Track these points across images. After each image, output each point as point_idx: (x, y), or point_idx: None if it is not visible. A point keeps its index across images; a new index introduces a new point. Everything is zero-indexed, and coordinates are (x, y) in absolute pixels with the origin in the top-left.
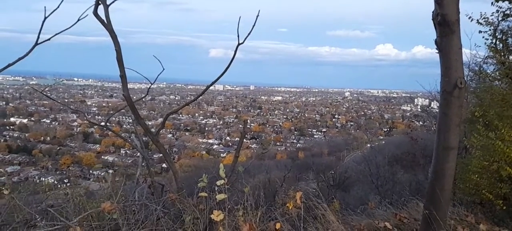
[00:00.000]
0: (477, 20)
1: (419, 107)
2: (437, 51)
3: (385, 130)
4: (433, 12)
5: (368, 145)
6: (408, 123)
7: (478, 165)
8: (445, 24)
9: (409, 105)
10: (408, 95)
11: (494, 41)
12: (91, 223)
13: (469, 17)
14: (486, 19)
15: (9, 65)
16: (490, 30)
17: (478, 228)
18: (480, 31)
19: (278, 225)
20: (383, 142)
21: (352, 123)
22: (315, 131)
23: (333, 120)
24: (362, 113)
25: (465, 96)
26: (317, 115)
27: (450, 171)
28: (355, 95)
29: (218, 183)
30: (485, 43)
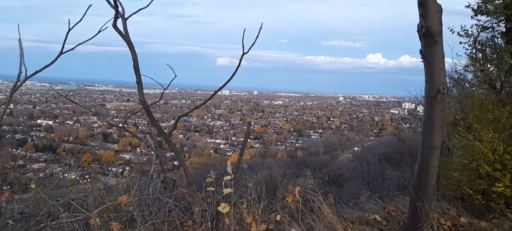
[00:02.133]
0: (458, 32)
1: (406, 111)
2: (421, 60)
3: (375, 131)
4: (418, 24)
5: (362, 145)
6: (396, 125)
7: (459, 163)
8: (429, 35)
9: (397, 109)
10: (396, 100)
11: (474, 51)
12: (109, 214)
13: (451, 30)
14: (466, 31)
15: (37, 72)
16: (470, 41)
17: (459, 221)
18: (460, 42)
19: (278, 217)
20: (373, 142)
21: (345, 125)
22: (312, 132)
23: (328, 122)
24: (355, 116)
25: (447, 102)
26: (314, 118)
27: (434, 168)
28: (348, 99)
29: (226, 178)
30: (466, 53)
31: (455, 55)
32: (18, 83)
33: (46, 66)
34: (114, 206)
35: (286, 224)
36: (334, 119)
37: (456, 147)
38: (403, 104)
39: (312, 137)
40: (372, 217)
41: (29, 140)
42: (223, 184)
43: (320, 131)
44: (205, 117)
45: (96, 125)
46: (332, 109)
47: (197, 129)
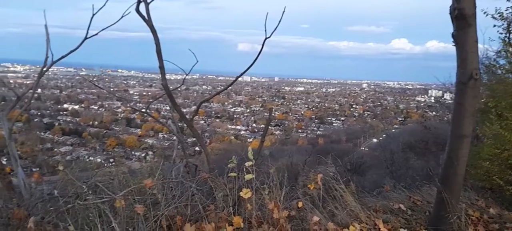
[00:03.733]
0: (492, 15)
1: (432, 98)
2: (453, 44)
3: (400, 119)
4: (450, 6)
5: (385, 133)
6: (422, 113)
7: (489, 152)
8: (462, 17)
9: (423, 96)
10: (422, 87)
11: (508, 35)
12: (134, 197)
13: (485, 12)
14: (501, 14)
15: (62, 57)
16: (504, 24)
17: (488, 212)
18: (494, 26)
19: (300, 204)
20: (398, 130)
21: (368, 112)
22: (334, 119)
23: (351, 109)
24: (379, 103)
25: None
26: (336, 105)
27: (463, 157)
28: (372, 86)
29: (247, 164)
30: (499, 37)
31: (487, 40)
32: (45, 68)
33: (71, 51)
34: (138, 189)
35: (307, 211)
36: (357, 106)
37: (487, 136)
38: (429, 91)
39: (334, 124)
40: (396, 206)
41: (56, 124)
42: (244, 169)
43: (342, 119)
44: (226, 103)
45: (120, 110)
46: (355, 97)
47: (218, 115)
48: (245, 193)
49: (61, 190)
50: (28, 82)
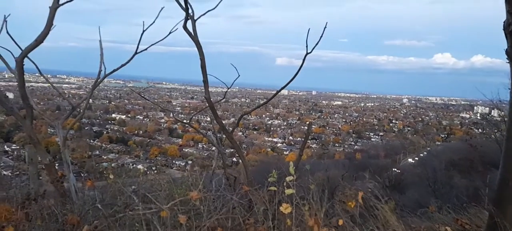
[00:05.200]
0: None
1: (478, 115)
2: (507, 61)
3: (443, 135)
4: (504, 22)
5: (426, 149)
6: (467, 129)
7: None
8: None
9: (468, 112)
10: (467, 103)
11: None
12: (178, 208)
13: None
14: None
15: (114, 70)
16: None
17: None
18: None
19: (340, 221)
20: (440, 147)
21: (409, 128)
22: (372, 134)
23: (391, 124)
24: (420, 119)
25: None
26: (374, 119)
27: None
28: (413, 101)
29: (288, 179)
30: None
31: None
32: (98, 80)
33: (122, 65)
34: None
35: (348, 230)
36: (397, 121)
37: None
38: (475, 108)
39: (372, 139)
40: (442, 229)
41: (105, 132)
42: (285, 184)
43: (381, 134)
44: (264, 115)
45: (163, 120)
46: (395, 111)
47: (256, 127)
48: (285, 208)
49: (111, 197)
50: (80, 93)
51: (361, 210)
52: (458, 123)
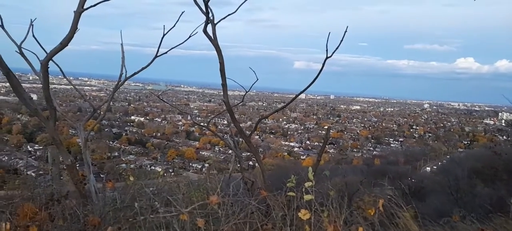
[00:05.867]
0: None
1: (503, 121)
2: None
3: (465, 142)
4: None
5: (448, 156)
6: (491, 136)
7: None
8: None
9: (492, 119)
10: (492, 109)
11: None
12: (196, 211)
13: None
14: None
15: (134, 73)
16: None
17: None
18: None
19: (360, 229)
20: (463, 154)
21: (430, 134)
22: (392, 139)
23: (411, 130)
24: (441, 125)
25: None
26: (394, 125)
27: None
28: (434, 107)
29: (307, 184)
30: None
31: None
32: (119, 83)
33: (143, 68)
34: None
35: None
36: (418, 127)
37: None
38: (500, 114)
39: (392, 145)
40: None
41: (124, 134)
42: (303, 190)
43: (401, 139)
44: (280, 119)
45: (181, 122)
46: (415, 117)
47: (272, 131)
48: (304, 214)
49: (131, 199)
50: (101, 95)
51: (381, 218)
52: (482, 129)
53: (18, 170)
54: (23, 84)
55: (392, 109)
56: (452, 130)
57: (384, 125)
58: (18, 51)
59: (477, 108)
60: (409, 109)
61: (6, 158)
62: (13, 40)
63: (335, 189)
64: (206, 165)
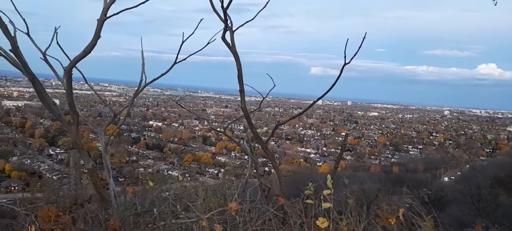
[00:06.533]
0: None
1: None
2: None
3: (488, 150)
4: None
5: (469, 164)
6: None
7: None
8: None
9: None
10: None
11: None
12: (214, 217)
13: None
14: None
15: (154, 80)
16: None
17: None
18: None
19: None
20: (485, 163)
21: (450, 141)
22: (410, 147)
23: (431, 137)
24: (462, 132)
25: None
26: (413, 132)
27: None
28: (455, 114)
29: (325, 192)
30: None
31: None
32: (139, 89)
33: (162, 74)
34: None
35: None
36: (438, 134)
37: None
38: None
39: (411, 152)
40: None
41: (142, 139)
42: (321, 197)
43: (420, 147)
44: (297, 125)
45: (198, 128)
46: (435, 124)
47: (289, 137)
48: (322, 222)
49: (150, 204)
50: (121, 100)
51: (401, 227)
52: (505, 137)
53: (40, 173)
54: (46, 89)
55: (410, 116)
56: (473, 137)
57: (402, 131)
58: (43, 58)
59: (500, 115)
60: (428, 116)
61: (29, 161)
62: (38, 48)
63: (353, 197)
64: (223, 170)
